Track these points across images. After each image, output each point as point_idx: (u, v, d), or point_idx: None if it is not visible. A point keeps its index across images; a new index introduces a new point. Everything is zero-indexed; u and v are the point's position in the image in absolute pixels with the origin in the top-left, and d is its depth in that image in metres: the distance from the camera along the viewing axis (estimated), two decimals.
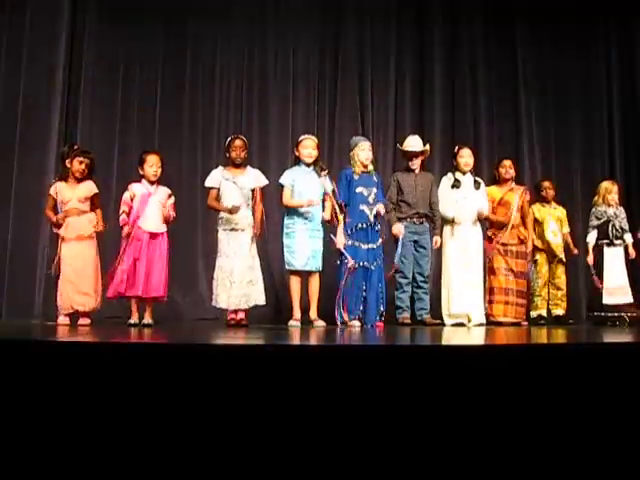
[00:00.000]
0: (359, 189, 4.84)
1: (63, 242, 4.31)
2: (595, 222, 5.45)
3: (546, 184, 5.66)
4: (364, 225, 4.80)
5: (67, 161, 4.37)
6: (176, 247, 4.79)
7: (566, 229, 5.61)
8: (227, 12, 6.12)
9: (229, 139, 4.77)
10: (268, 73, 6.15)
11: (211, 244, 5.49)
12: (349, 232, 4.78)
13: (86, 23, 5.81)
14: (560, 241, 5.52)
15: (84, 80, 5.75)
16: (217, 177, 4.65)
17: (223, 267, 4.52)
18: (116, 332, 3.62)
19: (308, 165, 4.83)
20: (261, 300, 4.57)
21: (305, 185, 4.77)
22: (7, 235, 5.41)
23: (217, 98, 6.07)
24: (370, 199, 4.83)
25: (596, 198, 5.55)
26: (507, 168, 5.37)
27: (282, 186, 4.79)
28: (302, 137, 4.94)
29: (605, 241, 5.41)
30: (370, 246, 4.80)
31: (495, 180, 5.43)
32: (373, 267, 4.78)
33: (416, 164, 5.12)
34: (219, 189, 4.64)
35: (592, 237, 5.46)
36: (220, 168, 4.72)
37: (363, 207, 4.82)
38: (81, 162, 4.38)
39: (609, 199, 5.48)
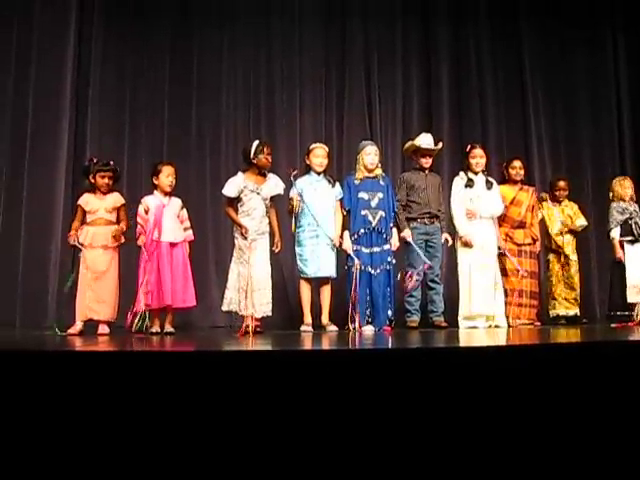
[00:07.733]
0: (361, 194, 4.83)
1: (86, 251, 4.29)
2: (619, 217, 5.30)
3: (561, 184, 5.57)
4: (366, 230, 4.78)
5: (90, 177, 4.38)
6: None
7: (580, 222, 5.48)
8: (233, 18, 6.11)
9: (256, 145, 4.55)
10: (275, 78, 6.12)
11: (222, 252, 5.50)
12: (352, 238, 4.78)
13: (92, 34, 5.82)
14: (569, 239, 5.43)
15: (92, 89, 5.75)
16: (238, 185, 4.53)
17: (242, 274, 4.45)
18: (143, 341, 3.62)
19: (318, 174, 4.83)
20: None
21: (313, 194, 4.78)
22: (19, 247, 5.42)
23: (224, 105, 6.04)
24: (373, 204, 4.81)
25: (611, 195, 5.44)
26: (517, 169, 5.31)
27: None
28: (313, 145, 4.92)
29: (628, 238, 5.29)
30: (374, 250, 4.76)
31: (504, 179, 5.35)
32: (377, 272, 4.73)
33: (429, 163, 5.05)
34: (237, 197, 4.55)
35: (616, 232, 5.31)
36: (240, 175, 4.58)
37: (365, 212, 4.79)
38: (103, 176, 4.38)
39: (625, 194, 5.35)
